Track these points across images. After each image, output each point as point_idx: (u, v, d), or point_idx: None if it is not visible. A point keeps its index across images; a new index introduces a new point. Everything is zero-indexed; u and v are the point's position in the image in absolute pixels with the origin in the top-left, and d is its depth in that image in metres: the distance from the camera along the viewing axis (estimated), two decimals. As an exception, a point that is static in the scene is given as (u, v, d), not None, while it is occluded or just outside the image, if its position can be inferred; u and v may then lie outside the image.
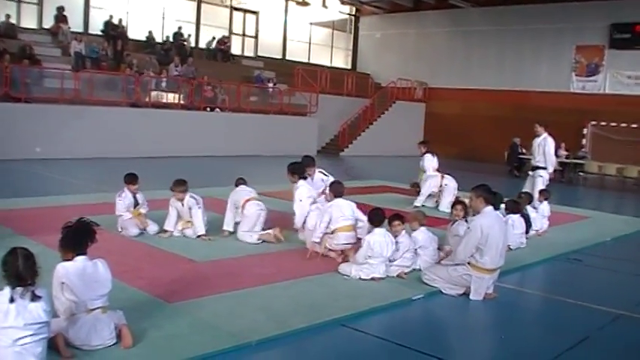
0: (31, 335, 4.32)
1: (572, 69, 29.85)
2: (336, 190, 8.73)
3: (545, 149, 13.47)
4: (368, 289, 7.15)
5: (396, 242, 7.74)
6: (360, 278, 7.42)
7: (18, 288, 4.32)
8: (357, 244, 8.07)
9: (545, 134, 13.63)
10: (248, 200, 9.48)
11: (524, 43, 31.23)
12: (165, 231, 9.21)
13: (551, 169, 13.70)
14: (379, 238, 7.55)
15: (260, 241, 9.15)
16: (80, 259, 4.98)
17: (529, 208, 11.16)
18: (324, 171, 10.55)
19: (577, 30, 29.41)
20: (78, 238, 5.05)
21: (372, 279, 7.41)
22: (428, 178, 14.13)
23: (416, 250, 8.11)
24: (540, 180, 13.37)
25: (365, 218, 8.39)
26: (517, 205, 10.45)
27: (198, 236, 9.09)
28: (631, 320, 6.91)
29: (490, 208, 7.33)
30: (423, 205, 13.82)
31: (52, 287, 4.88)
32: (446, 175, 14.12)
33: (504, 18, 31.70)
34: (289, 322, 5.85)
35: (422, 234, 8.32)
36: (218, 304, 6.22)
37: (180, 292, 6.50)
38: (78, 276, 4.92)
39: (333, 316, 6.16)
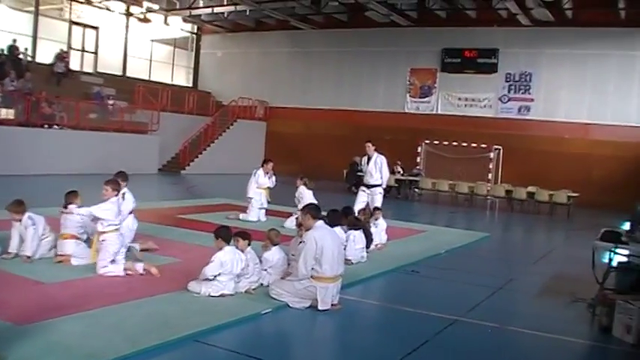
0: None
1: (406, 90, 31.23)
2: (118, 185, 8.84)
3: (382, 167, 13.85)
4: (218, 305, 7.25)
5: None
6: (209, 295, 7.48)
7: None
8: None
9: (376, 153, 13.99)
10: None
11: (363, 65, 32.36)
12: (9, 253, 8.88)
13: (384, 185, 14.22)
14: (230, 256, 7.63)
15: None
16: None
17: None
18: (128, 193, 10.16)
19: (411, 54, 30.92)
20: None
21: (222, 295, 7.51)
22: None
23: (265, 269, 8.28)
24: (380, 197, 13.89)
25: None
26: (358, 222, 10.86)
27: (23, 256, 8.79)
28: (465, 325, 7.42)
29: (320, 222, 7.73)
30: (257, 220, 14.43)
31: None
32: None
33: (343, 40, 32.70)
34: (143, 341, 5.84)
35: (274, 254, 8.45)
36: (70, 325, 6.11)
37: (29, 315, 6.31)
38: None
39: (186, 332, 6.21)
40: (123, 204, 9.83)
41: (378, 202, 13.68)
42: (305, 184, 14.39)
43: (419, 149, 28.89)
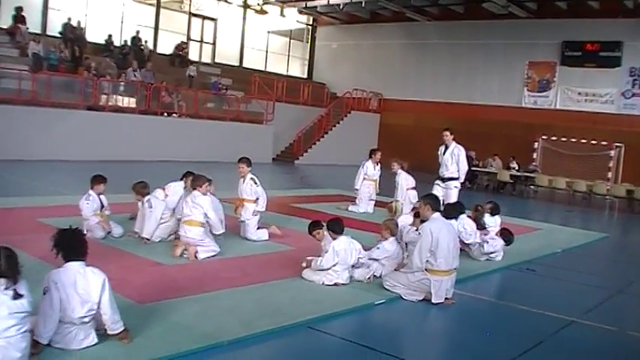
0: (15, 326, 4.41)
1: (523, 84, 30.45)
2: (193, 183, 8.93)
3: (459, 159, 12.97)
4: (331, 293, 7.34)
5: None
6: (323, 284, 7.59)
7: (1, 280, 4.42)
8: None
9: (454, 143, 13.11)
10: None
11: (477, 58, 31.76)
12: (135, 232, 9.41)
13: (462, 179, 13.25)
14: (344, 245, 7.72)
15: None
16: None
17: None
18: (255, 178, 10.45)
19: (529, 46, 30.06)
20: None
21: (336, 285, 7.59)
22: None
23: (378, 259, 8.27)
24: (456, 191, 12.97)
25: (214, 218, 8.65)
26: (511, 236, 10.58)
27: (142, 238, 9.24)
28: (583, 327, 7.21)
29: (437, 214, 7.67)
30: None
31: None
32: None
33: (458, 32, 32.21)
34: (257, 324, 5.99)
35: (392, 245, 8.44)
36: (188, 306, 6.35)
37: (150, 294, 6.61)
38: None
39: (299, 318, 6.32)
40: (258, 189, 10.33)
41: (454, 197, 12.75)
42: (402, 167, 14.40)
43: (535, 145, 28.22)
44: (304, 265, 8.01)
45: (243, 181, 10.35)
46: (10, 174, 16.29)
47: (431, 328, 7.17)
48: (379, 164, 15.22)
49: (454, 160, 12.92)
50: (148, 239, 9.16)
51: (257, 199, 10.32)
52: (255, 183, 10.29)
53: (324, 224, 8.22)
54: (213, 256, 8.67)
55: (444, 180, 13.03)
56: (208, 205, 8.58)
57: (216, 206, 9.73)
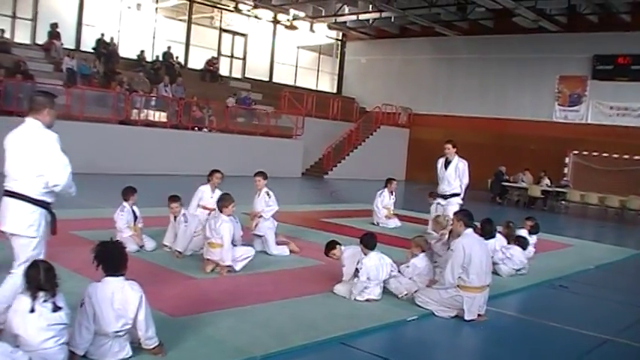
0: (53, 338, 4.50)
1: (554, 98, 30.24)
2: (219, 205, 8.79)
3: (463, 174, 12.22)
4: (364, 309, 7.33)
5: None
6: (355, 299, 7.58)
7: (40, 293, 4.50)
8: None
9: (457, 157, 12.31)
10: None
11: (508, 72, 31.62)
12: (165, 245, 9.52)
13: (462, 195, 12.38)
14: (375, 262, 7.69)
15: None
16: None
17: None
18: (269, 191, 10.41)
19: (560, 60, 29.84)
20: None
21: (368, 300, 7.58)
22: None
23: (410, 277, 8.23)
24: (457, 208, 11.54)
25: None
26: (524, 241, 10.58)
27: (175, 251, 9.29)
28: (618, 345, 7.11)
29: (470, 230, 7.60)
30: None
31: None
32: None
33: (488, 47, 32.13)
34: (290, 339, 6.00)
35: (422, 261, 8.40)
36: (220, 320, 6.37)
37: (183, 307, 6.65)
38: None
39: (332, 334, 6.32)
40: (269, 201, 10.29)
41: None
42: (434, 197, 13.80)
43: (566, 160, 27.98)
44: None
45: (259, 195, 10.39)
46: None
47: (463, 344, 7.12)
48: (394, 193, 15.21)
49: (457, 174, 12.20)
50: (180, 253, 9.21)
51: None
52: (269, 196, 10.33)
53: (339, 242, 8.30)
54: (250, 260, 8.71)
55: (445, 197, 12.27)
56: (227, 235, 8.42)
57: (236, 229, 9.79)
